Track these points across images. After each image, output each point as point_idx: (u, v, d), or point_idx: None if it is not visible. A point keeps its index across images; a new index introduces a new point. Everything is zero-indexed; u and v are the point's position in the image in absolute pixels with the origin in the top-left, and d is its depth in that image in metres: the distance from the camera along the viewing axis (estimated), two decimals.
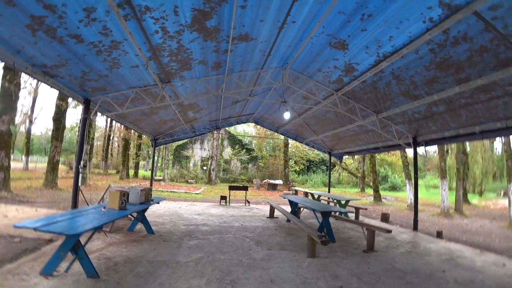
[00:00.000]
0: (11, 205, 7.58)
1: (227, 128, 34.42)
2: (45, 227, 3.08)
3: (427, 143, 7.94)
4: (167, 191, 16.26)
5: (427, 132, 7.52)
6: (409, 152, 16.43)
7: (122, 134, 27.79)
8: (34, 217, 4.28)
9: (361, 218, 9.39)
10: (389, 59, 4.82)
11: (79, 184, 5.37)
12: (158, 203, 6.12)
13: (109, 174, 28.00)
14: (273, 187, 21.76)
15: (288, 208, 9.13)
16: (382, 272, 4.25)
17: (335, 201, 9.52)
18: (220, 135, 26.84)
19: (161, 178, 25.20)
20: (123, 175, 24.40)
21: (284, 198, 9.16)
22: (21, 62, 4.01)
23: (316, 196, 10.81)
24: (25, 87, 20.22)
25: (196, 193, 15.94)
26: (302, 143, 13.37)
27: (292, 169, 28.48)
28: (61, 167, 18.12)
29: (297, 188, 18.46)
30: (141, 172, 35.51)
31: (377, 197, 16.58)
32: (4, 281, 3.25)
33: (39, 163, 33.44)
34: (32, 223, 3.15)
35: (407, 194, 14.57)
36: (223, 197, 11.56)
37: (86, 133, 5.53)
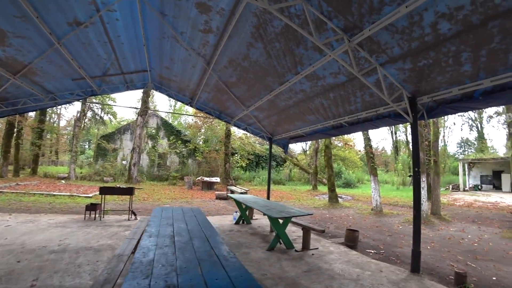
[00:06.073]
0: None
1: (162, 115, 28.41)
2: None
3: (435, 110, 4.31)
4: (41, 193, 10.73)
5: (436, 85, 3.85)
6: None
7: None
8: None
9: (314, 241, 5.53)
10: None
11: None
12: None
13: None
14: (209, 186, 17.21)
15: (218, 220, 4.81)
16: None
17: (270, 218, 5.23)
18: (146, 120, 21.38)
19: (65, 176, 18.96)
20: (4, 171, 17.52)
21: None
22: None
23: (244, 206, 6.58)
24: None
25: (88, 197, 10.76)
26: (229, 123, 8.93)
27: (238, 164, 24.30)
28: None
29: (234, 187, 14.34)
30: (60, 168, 27.77)
31: (333, 198, 13.15)
32: None
33: None
34: None
35: (372, 195, 11.34)
36: (90, 207, 6.68)
37: None
